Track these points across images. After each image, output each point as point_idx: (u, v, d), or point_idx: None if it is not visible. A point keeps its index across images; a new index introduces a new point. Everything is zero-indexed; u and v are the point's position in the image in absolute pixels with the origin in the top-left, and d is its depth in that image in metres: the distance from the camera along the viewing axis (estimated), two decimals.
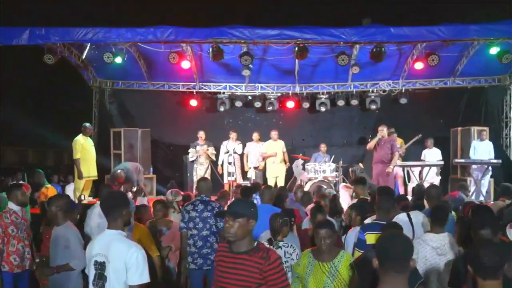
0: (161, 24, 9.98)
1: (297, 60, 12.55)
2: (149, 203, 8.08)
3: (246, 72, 12.51)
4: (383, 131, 11.07)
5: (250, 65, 12.44)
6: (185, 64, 12.31)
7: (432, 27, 9.32)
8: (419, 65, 12.08)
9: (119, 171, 9.97)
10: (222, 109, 14.29)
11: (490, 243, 2.95)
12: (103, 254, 3.43)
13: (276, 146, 12.29)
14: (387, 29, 9.41)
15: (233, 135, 12.68)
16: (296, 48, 9.74)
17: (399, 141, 12.30)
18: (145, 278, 3.44)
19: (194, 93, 14.24)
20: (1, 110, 12.85)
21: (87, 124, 10.22)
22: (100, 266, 3.43)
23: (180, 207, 7.50)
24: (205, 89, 14.26)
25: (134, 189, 10.39)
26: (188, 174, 13.13)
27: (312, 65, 13.06)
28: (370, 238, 4.73)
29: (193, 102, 14.31)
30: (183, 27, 9.64)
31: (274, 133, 12.37)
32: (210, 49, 10.01)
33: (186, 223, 5.97)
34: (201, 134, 12.57)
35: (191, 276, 5.97)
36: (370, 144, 11.14)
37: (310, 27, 9.62)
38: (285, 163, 12.47)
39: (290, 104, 14.29)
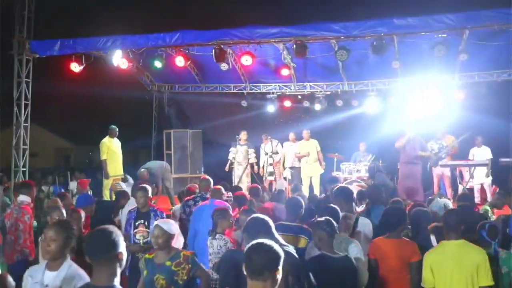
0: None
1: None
2: None
3: (285, 72, 12.62)
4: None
5: (293, 64, 12.52)
6: (223, 67, 12.57)
7: (439, 16, 8.51)
8: (463, 56, 11.04)
9: (142, 170, 10.51)
10: (272, 109, 14.41)
11: (261, 245, 2.87)
12: None
13: (308, 146, 11.93)
14: (390, 21, 8.78)
15: (264, 136, 12.78)
16: (294, 46, 9.48)
17: (450, 139, 11.42)
18: None
19: (245, 94, 14.53)
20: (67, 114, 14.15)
21: (113, 126, 10.89)
22: None
23: None
24: (255, 89, 14.48)
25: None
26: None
27: (355, 62, 12.56)
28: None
29: (244, 103, 14.63)
30: (189, 30, 9.88)
31: (305, 132, 12.02)
32: (213, 51, 10.14)
33: (187, 216, 6.59)
34: (242, 135, 12.61)
35: None
36: (400, 143, 10.55)
37: (310, 23, 9.33)
38: (320, 162, 12.04)
39: (339, 102, 13.89)
